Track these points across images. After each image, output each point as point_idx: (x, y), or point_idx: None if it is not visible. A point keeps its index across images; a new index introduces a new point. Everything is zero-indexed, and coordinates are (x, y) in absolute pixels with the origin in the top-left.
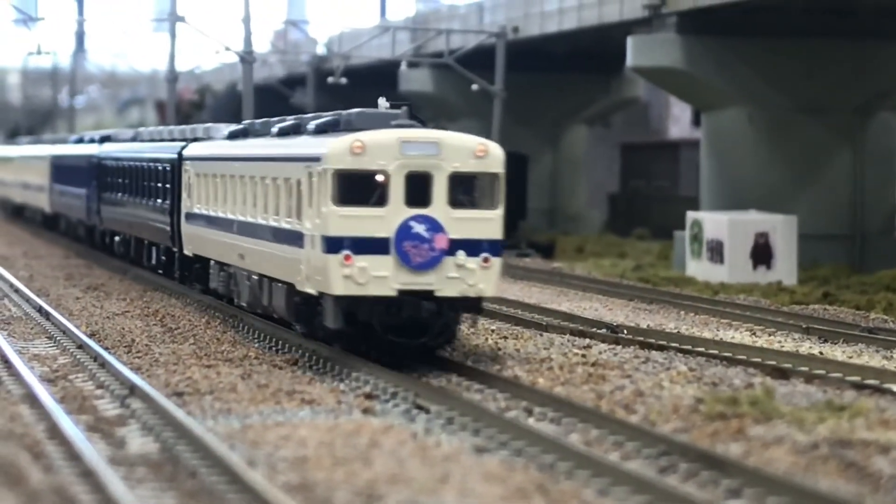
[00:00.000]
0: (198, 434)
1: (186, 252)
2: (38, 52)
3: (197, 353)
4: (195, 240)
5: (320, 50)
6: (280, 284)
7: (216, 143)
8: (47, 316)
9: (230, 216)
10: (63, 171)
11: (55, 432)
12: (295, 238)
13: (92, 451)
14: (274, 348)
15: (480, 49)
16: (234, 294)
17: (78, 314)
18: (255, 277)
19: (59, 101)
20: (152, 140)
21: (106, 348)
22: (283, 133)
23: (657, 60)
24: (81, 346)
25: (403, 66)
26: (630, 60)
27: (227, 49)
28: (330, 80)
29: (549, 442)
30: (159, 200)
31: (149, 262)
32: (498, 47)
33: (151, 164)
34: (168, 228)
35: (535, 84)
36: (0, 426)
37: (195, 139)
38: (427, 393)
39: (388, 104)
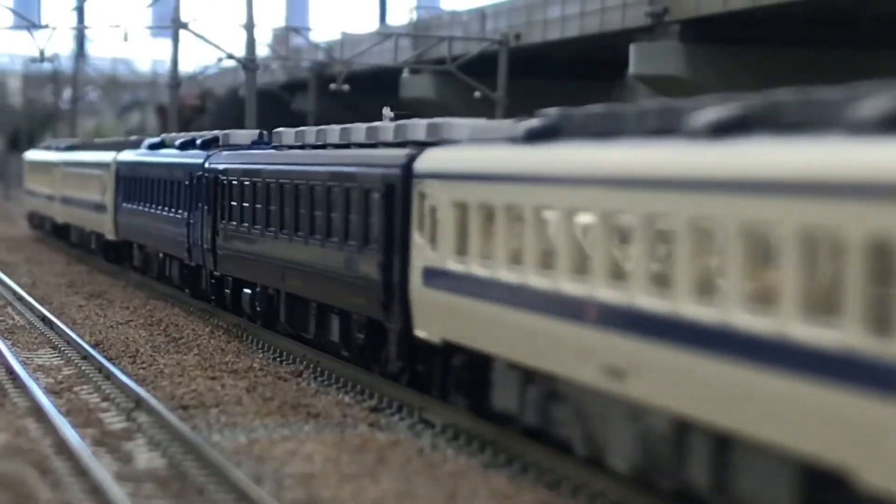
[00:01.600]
0: (205, 450)
1: (426, 335)
2: (42, 60)
3: (202, 364)
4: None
5: (321, 55)
6: None
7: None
8: (51, 325)
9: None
10: (140, 185)
11: (62, 447)
12: None
13: (100, 467)
14: (278, 359)
15: (482, 55)
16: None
17: (81, 323)
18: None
19: (61, 105)
20: (321, 146)
21: (110, 359)
22: None
23: (659, 68)
24: (86, 356)
25: (405, 73)
26: (632, 68)
27: (230, 57)
28: (332, 86)
29: (557, 458)
30: (362, 243)
31: (345, 347)
32: (500, 55)
33: (343, 184)
34: (380, 292)
35: (537, 90)
36: (7, 441)
37: (424, 143)
38: (433, 407)
39: (392, 114)
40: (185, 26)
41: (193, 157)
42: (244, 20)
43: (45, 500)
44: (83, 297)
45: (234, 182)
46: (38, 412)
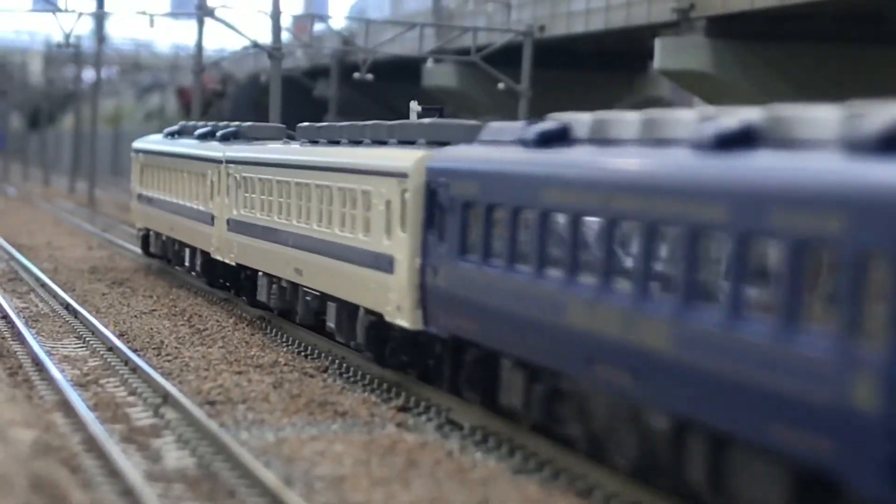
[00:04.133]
0: (234, 450)
1: None
2: (67, 45)
3: (227, 358)
4: None
5: (339, 41)
6: None
7: None
8: (75, 314)
9: None
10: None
11: (91, 444)
12: None
13: (131, 468)
14: (303, 353)
15: (506, 46)
16: None
17: (105, 312)
18: None
19: (82, 84)
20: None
21: (135, 350)
22: None
23: (685, 63)
24: (111, 347)
25: (429, 63)
26: (657, 62)
27: (256, 45)
28: (356, 75)
29: (588, 465)
30: None
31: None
32: (525, 47)
33: None
34: None
35: (559, 82)
36: (37, 438)
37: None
38: (459, 407)
39: (420, 108)
40: (211, 14)
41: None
42: (267, 5)
43: (77, 503)
44: (106, 285)
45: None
46: (65, 406)
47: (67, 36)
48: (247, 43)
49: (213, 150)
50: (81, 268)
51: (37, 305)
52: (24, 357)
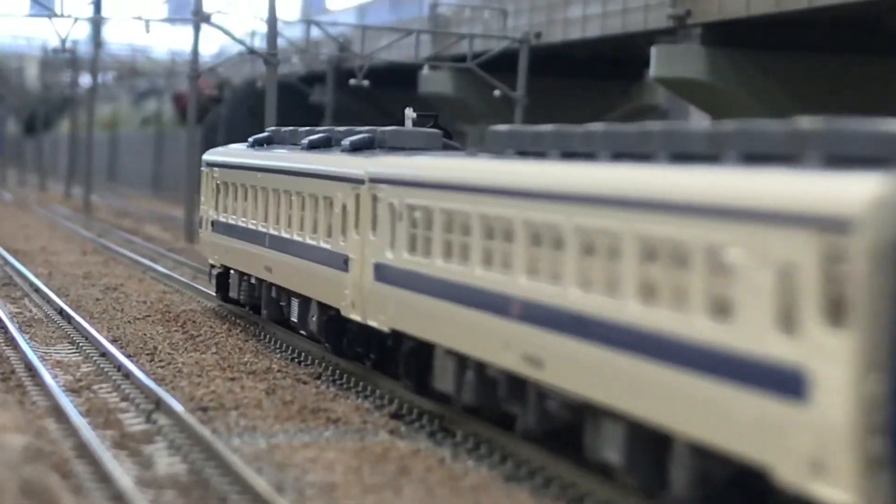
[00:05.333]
0: (225, 456)
1: None
2: (63, 51)
3: (220, 364)
4: None
5: (335, 47)
6: None
7: None
8: (69, 319)
9: None
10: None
11: (83, 450)
12: None
13: (122, 474)
14: (296, 360)
15: (502, 53)
16: None
17: (99, 317)
18: None
19: (78, 90)
20: None
21: (128, 356)
22: None
23: (681, 71)
24: (105, 353)
25: (425, 69)
26: (653, 70)
27: (252, 52)
28: (352, 82)
29: (580, 473)
30: None
31: None
32: (521, 53)
33: None
34: None
35: (555, 89)
36: (29, 444)
37: None
38: (452, 415)
39: (415, 115)
40: (207, 19)
41: None
42: (263, 11)
43: None
44: (100, 290)
45: None
46: (57, 412)
47: (64, 41)
48: (243, 48)
49: (345, 164)
50: (76, 273)
51: (30, 311)
52: (17, 362)
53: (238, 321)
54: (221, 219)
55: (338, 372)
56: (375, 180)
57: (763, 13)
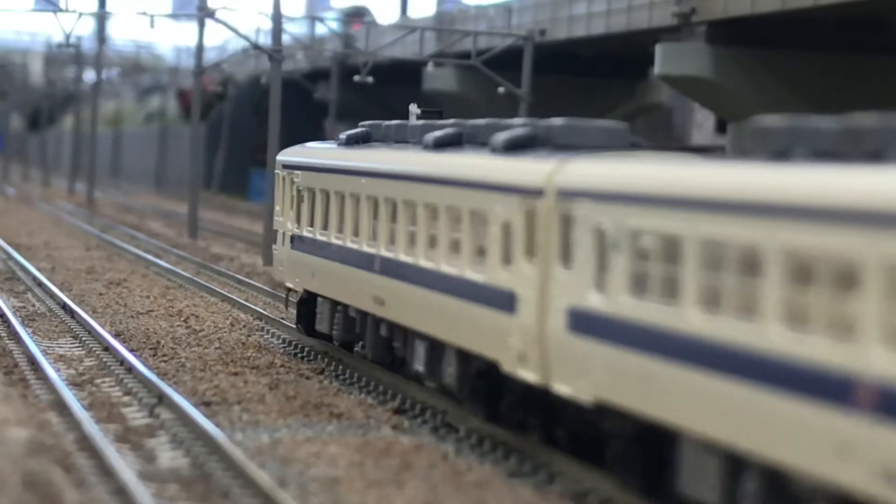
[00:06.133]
0: (228, 451)
1: None
2: (67, 46)
3: (223, 359)
4: None
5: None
6: None
7: None
8: (72, 313)
9: None
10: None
11: (85, 444)
12: None
13: (124, 467)
14: (299, 356)
15: (506, 50)
16: None
17: (102, 312)
18: None
19: (82, 86)
20: None
21: (132, 350)
22: None
23: (685, 69)
24: (107, 348)
25: (429, 66)
26: (658, 68)
27: (256, 47)
28: (357, 78)
29: (583, 469)
30: None
31: None
32: (525, 51)
33: None
34: None
35: (560, 87)
36: (31, 437)
37: None
38: (455, 411)
39: (419, 111)
40: (211, 15)
41: None
42: (268, 7)
43: (70, 502)
44: (103, 285)
45: None
46: (60, 405)
47: (68, 36)
48: (247, 44)
49: (507, 170)
50: (79, 268)
51: (34, 305)
52: (20, 356)
53: (241, 317)
54: (306, 234)
55: (340, 367)
56: (569, 193)
57: (768, 11)
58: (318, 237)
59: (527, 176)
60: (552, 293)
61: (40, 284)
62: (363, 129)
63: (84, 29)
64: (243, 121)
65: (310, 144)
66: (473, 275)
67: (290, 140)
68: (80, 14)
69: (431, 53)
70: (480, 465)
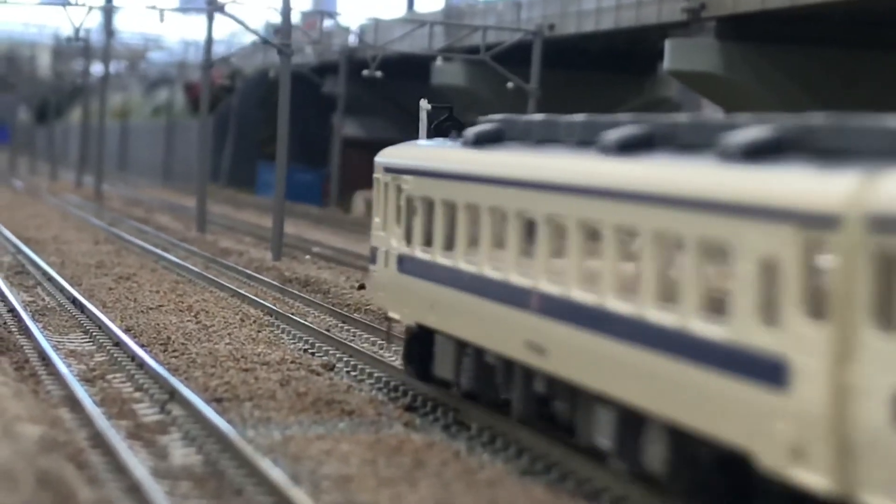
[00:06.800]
0: (240, 447)
1: None
2: (76, 39)
3: (233, 355)
4: None
5: (352, 39)
6: None
7: None
8: (81, 308)
9: None
10: None
11: (98, 440)
12: None
13: (137, 464)
14: (309, 351)
15: (515, 44)
16: None
17: (112, 306)
18: None
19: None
20: None
21: (142, 345)
22: None
23: (695, 65)
24: (118, 343)
25: (438, 61)
26: (667, 63)
27: (265, 42)
28: (365, 72)
29: (596, 468)
30: None
31: None
32: (535, 46)
33: None
34: None
35: (568, 81)
36: (44, 434)
37: None
38: (466, 408)
39: (430, 106)
40: (220, 9)
41: None
42: (276, 1)
43: (84, 499)
44: (112, 280)
45: None
46: (72, 401)
47: (77, 29)
48: (255, 38)
49: (766, 186)
50: (88, 262)
51: (43, 299)
52: (31, 351)
53: (250, 312)
54: (421, 255)
55: (351, 363)
56: (891, 222)
57: (778, 7)
58: (440, 260)
59: (807, 196)
60: (862, 368)
61: (50, 279)
62: (494, 124)
63: (92, 22)
64: (251, 114)
65: (421, 143)
66: (705, 328)
67: (298, 134)
68: (90, 8)
69: (440, 48)
70: (493, 463)
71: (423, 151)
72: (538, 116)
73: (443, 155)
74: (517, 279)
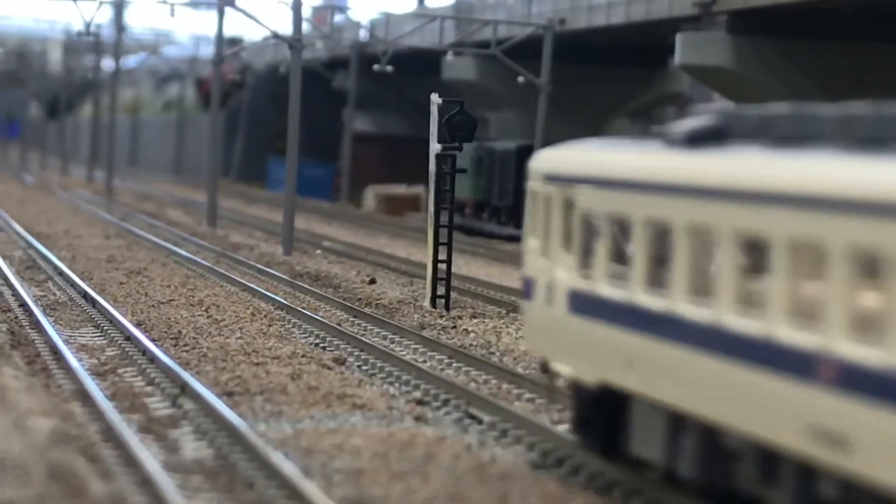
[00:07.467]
0: (252, 441)
1: None
2: (87, 34)
3: (245, 349)
4: None
5: (363, 34)
6: None
7: None
8: (93, 303)
9: None
10: None
11: (109, 434)
12: None
13: (148, 457)
14: (321, 345)
15: (526, 39)
16: None
17: (123, 301)
18: None
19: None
20: None
21: (153, 339)
22: None
23: (706, 59)
24: (129, 337)
25: (449, 55)
26: (679, 58)
27: (276, 36)
28: (376, 67)
29: (607, 462)
30: None
31: None
32: (545, 41)
33: None
34: None
35: (579, 76)
36: (55, 427)
37: None
38: (477, 401)
39: (440, 100)
40: (231, 3)
41: None
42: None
43: (96, 493)
44: (123, 274)
45: None
46: (83, 395)
47: (87, 25)
48: (267, 33)
49: None
50: (99, 257)
51: (54, 294)
52: (42, 346)
53: (261, 306)
54: (607, 292)
55: (362, 357)
56: None
57: (789, 1)
58: (642, 301)
59: None
60: None
61: (61, 273)
62: (711, 118)
63: (103, 17)
64: (261, 109)
65: (595, 144)
66: None
67: (309, 129)
68: (101, 3)
69: (451, 43)
70: (504, 457)
71: (607, 155)
72: (779, 107)
73: (641, 160)
74: (790, 336)
